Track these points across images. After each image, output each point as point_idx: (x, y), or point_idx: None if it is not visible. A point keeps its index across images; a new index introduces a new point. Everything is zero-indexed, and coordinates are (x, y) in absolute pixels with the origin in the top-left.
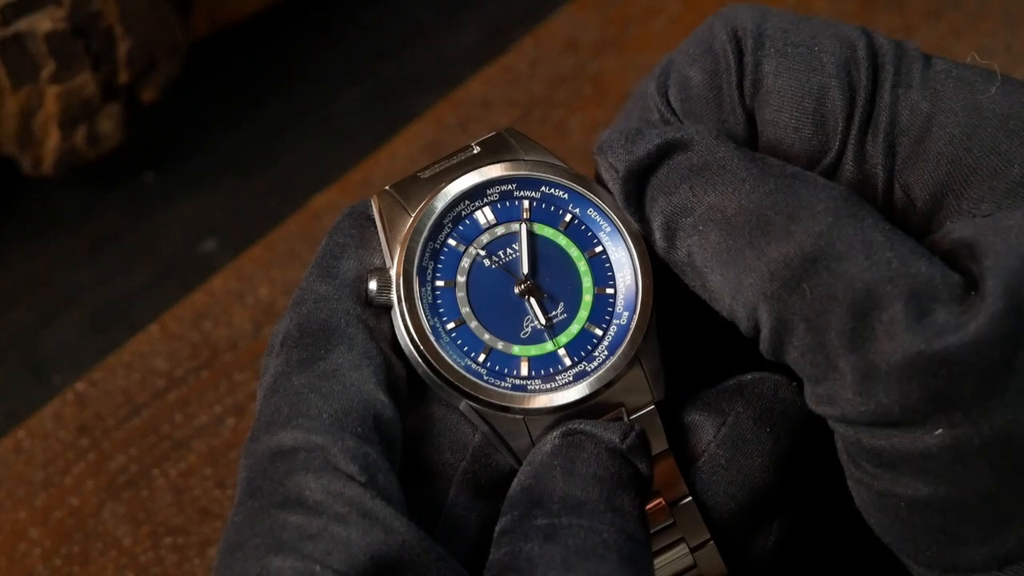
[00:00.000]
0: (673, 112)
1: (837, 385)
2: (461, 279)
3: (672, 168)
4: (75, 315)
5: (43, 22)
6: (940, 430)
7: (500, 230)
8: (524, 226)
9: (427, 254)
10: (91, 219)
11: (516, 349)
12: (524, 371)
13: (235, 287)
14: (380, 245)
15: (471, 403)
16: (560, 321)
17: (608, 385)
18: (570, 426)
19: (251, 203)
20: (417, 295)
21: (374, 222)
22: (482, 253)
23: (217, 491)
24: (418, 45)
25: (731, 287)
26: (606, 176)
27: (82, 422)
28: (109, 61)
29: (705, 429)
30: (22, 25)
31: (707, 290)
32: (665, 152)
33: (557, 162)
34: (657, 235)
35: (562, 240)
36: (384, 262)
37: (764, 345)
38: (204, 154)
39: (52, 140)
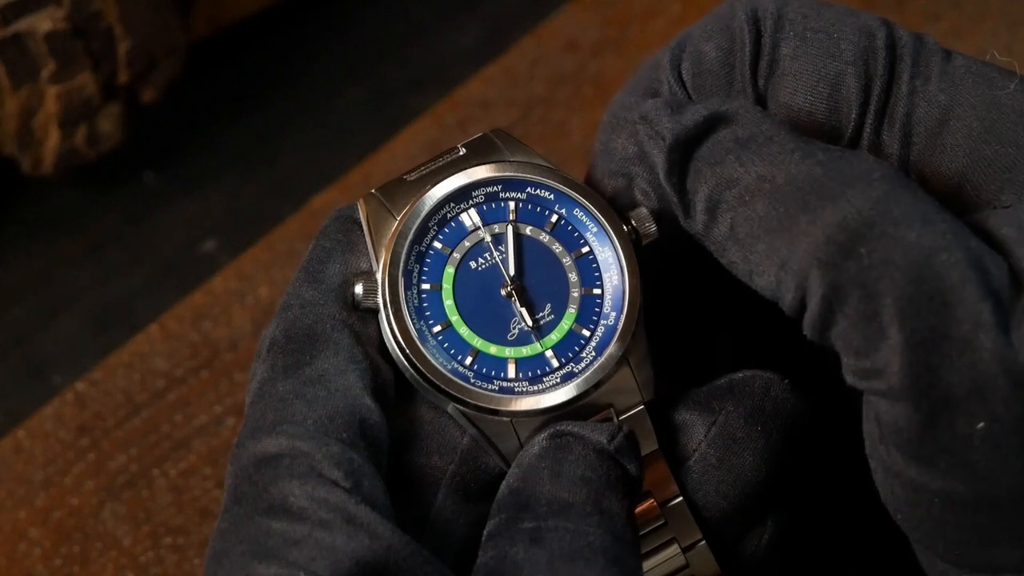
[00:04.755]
0: (683, 85)
1: (887, 355)
2: (447, 282)
3: (718, 141)
4: (75, 315)
5: (43, 22)
6: (983, 423)
7: (486, 232)
8: (510, 227)
9: (412, 257)
10: (91, 219)
11: (503, 351)
12: (511, 373)
13: (235, 287)
14: (366, 249)
15: (458, 406)
16: (547, 322)
17: (596, 386)
18: (558, 428)
19: (251, 203)
20: (403, 298)
21: (361, 226)
22: (468, 255)
23: (217, 491)
24: (418, 45)
25: (779, 256)
26: (648, 144)
27: (82, 422)
28: (109, 61)
29: (696, 428)
30: (22, 25)
31: (749, 264)
32: (711, 124)
33: (543, 163)
34: (698, 208)
35: (548, 241)
36: (370, 266)
37: (811, 317)
38: (204, 154)
39: (52, 140)
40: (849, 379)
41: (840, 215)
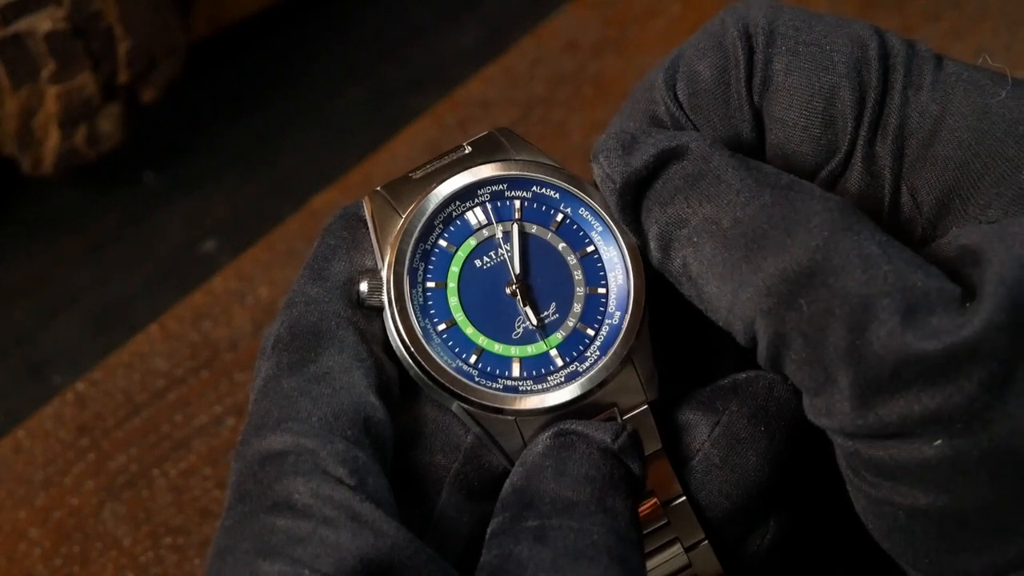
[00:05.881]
0: (679, 106)
1: (835, 398)
2: (452, 280)
3: (667, 179)
4: (75, 315)
5: (43, 22)
6: (939, 441)
7: (491, 231)
8: (515, 226)
9: (418, 255)
10: (91, 219)
11: (508, 350)
12: (516, 372)
13: (235, 287)
14: (371, 247)
15: (462, 404)
16: (552, 321)
17: (600, 385)
18: (562, 426)
19: (251, 203)
20: (408, 297)
21: (366, 223)
22: (473, 254)
23: (217, 491)
24: (418, 45)
25: (727, 300)
26: (601, 185)
27: (82, 422)
28: (109, 61)
29: (699, 428)
30: (22, 25)
31: (703, 301)
32: (661, 162)
33: (548, 161)
34: (652, 245)
35: (553, 240)
36: (375, 264)
37: (762, 357)
38: (204, 154)
39: (52, 140)
40: (807, 414)
41: (780, 266)
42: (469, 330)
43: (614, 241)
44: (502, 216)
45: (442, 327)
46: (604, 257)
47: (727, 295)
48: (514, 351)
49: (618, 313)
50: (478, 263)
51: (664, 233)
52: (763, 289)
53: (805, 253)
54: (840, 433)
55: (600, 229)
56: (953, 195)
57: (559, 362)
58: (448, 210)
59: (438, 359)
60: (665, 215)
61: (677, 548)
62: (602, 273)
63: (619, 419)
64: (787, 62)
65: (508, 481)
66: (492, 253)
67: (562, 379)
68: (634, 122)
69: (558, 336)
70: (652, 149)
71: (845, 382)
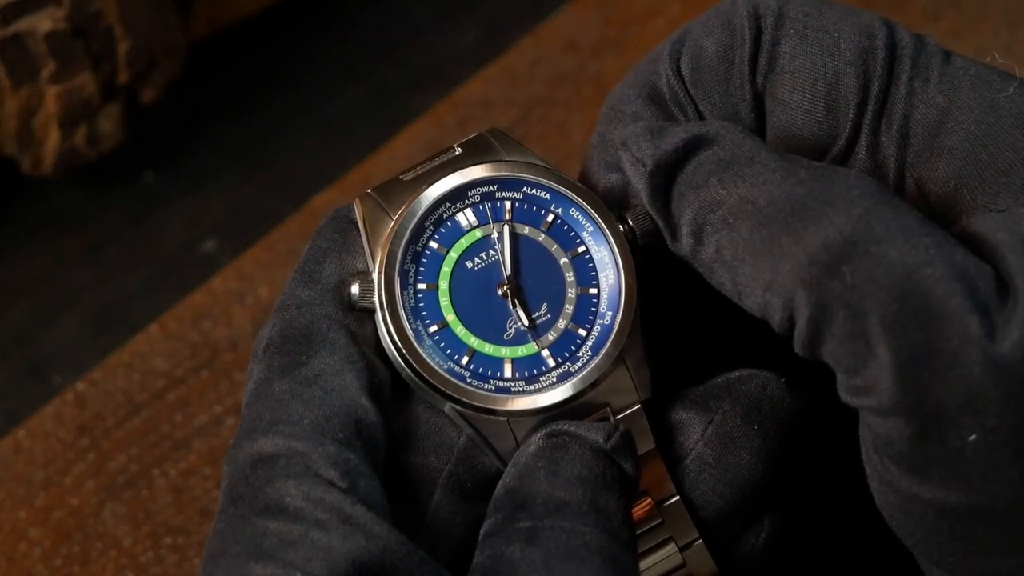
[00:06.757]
0: (681, 80)
1: (876, 372)
2: (443, 282)
3: (700, 164)
4: (75, 315)
5: (43, 22)
6: (974, 435)
7: (482, 232)
8: (506, 227)
9: (408, 257)
10: (91, 219)
11: (500, 351)
12: (508, 373)
13: (235, 287)
14: (363, 249)
15: (455, 406)
16: (543, 322)
17: (593, 385)
18: (554, 427)
19: (251, 203)
20: (399, 298)
21: (357, 226)
22: (464, 255)
23: (217, 491)
24: (418, 45)
25: (765, 277)
26: (630, 171)
27: (82, 422)
28: (109, 61)
29: (692, 427)
30: (22, 25)
31: (737, 285)
32: (692, 147)
33: (539, 162)
34: (684, 231)
35: (544, 240)
36: (367, 266)
37: (800, 336)
38: (204, 154)
39: (52, 140)
40: (842, 396)
41: (822, 235)
42: (461, 331)
43: (605, 241)
44: (493, 217)
45: (434, 329)
46: (595, 257)
47: (766, 272)
48: (506, 352)
49: (610, 313)
50: (469, 264)
51: (697, 217)
52: (805, 259)
53: (848, 222)
54: (877, 412)
55: (591, 229)
56: (961, 185)
57: (551, 362)
58: (439, 212)
59: (430, 361)
60: (698, 199)
61: (671, 548)
62: (593, 273)
63: (612, 419)
64: (794, 45)
65: (501, 482)
66: (483, 254)
67: (554, 379)
68: (634, 91)
69: (550, 336)
70: (683, 134)
71: (888, 354)
